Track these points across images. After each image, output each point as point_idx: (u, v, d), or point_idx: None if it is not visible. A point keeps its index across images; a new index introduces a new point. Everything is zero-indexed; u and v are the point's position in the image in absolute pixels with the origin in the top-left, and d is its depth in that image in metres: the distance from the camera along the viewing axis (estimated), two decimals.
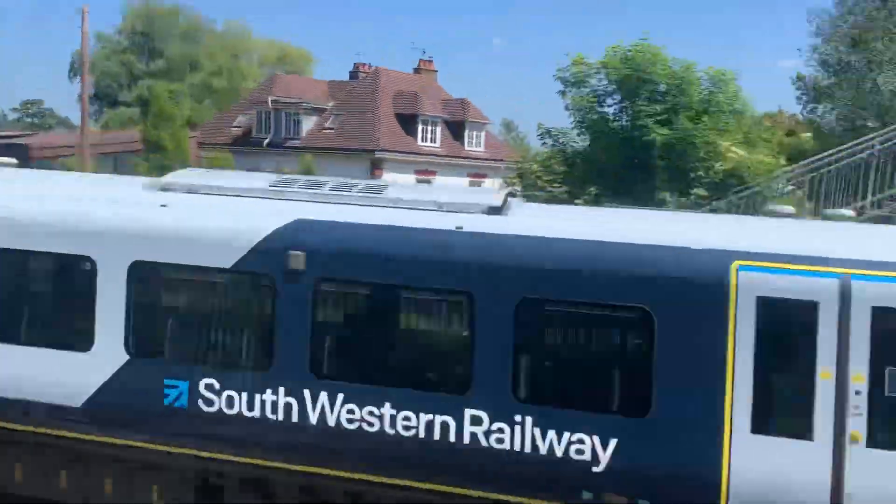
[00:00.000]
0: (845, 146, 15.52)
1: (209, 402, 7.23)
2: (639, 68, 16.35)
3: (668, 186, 16.38)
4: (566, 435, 6.61)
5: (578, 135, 17.94)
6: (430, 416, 6.83)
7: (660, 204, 15.86)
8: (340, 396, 6.99)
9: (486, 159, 42.41)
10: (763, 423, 6.42)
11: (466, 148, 42.86)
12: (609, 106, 17.71)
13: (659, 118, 16.07)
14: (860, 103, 24.60)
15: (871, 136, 15.67)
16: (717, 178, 16.39)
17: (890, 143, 14.40)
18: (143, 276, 7.48)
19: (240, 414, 7.15)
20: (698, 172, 16.47)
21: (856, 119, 24.77)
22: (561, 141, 18.31)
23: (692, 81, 16.31)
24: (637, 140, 16.30)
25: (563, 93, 17.87)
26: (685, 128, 16.00)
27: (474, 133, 43.46)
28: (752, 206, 15.38)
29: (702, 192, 16.33)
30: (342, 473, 7.07)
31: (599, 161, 17.16)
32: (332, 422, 6.99)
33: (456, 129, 42.78)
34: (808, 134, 21.10)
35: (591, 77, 17.58)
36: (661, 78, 16.33)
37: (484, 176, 41.66)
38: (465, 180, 41.39)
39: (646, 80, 16.37)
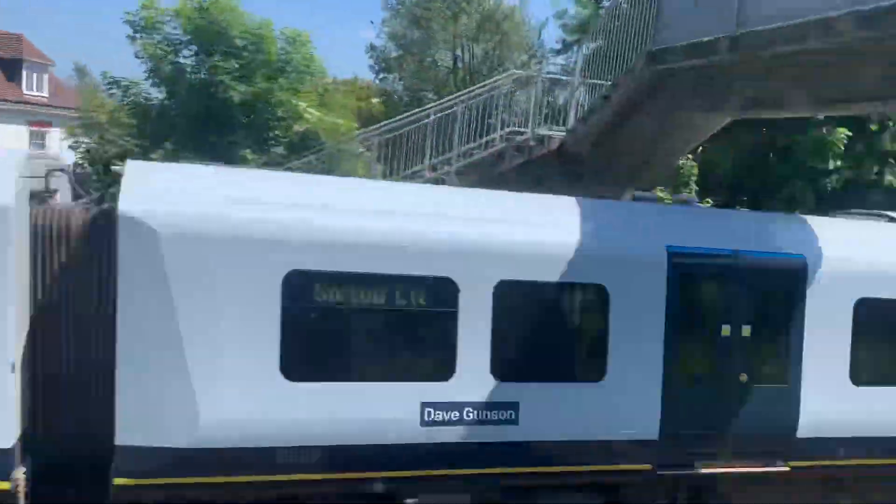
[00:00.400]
0: (408, 114, 17.10)
1: None
2: (214, 20, 15.81)
3: (248, 144, 16.27)
4: None
5: (152, 86, 16.77)
6: None
7: (242, 161, 15.68)
8: None
9: (51, 106, 37.36)
10: None
11: (25, 92, 37.20)
12: (186, 57, 16.83)
13: (237, 75, 15.80)
14: (422, 77, 27.52)
15: (429, 106, 17.54)
16: (295, 139, 16.81)
17: (442, 113, 16.25)
18: None
19: None
20: (276, 132, 16.70)
21: (419, 90, 27.69)
22: (132, 92, 16.90)
23: (269, 39, 16.32)
24: (215, 95, 15.82)
25: (132, 38, 16.44)
26: (263, 86, 16.03)
27: (35, 75, 37.92)
28: (329, 165, 16.13)
29: (281, 150, 16.61)
30: None
31: (175, 115, 16.27)
32: None
33: (11, 69, 36.79)
34: (377, 100, 22.94)
35: (164, 24, 16.46)
36: (238, 33, 16.02)
37: (48, 125, 36.70)
38: (25, 129, 35.99)
39: (221, 34, 15.91)
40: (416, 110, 17.12)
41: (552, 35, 38.11)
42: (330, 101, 18.52)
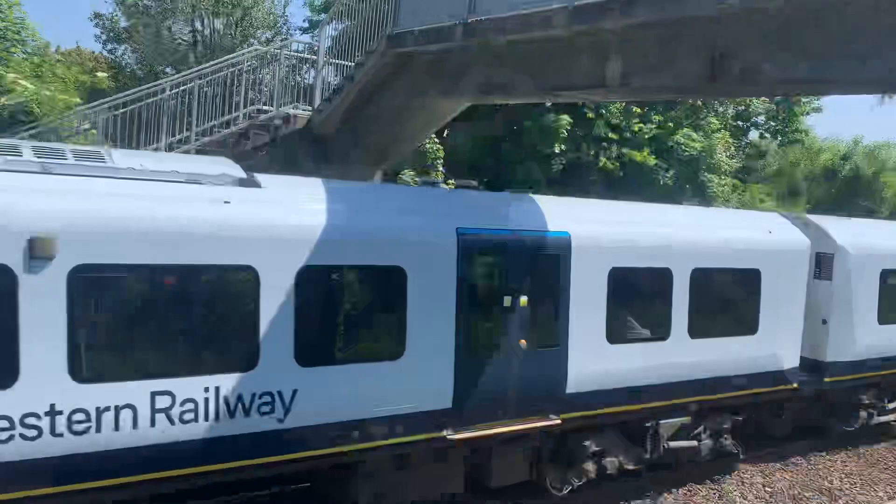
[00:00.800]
0: (140, 88, 15.77)
1: None
2: None
3: None
4: None
5: None
6: None
7: None
8: None
9: None
10: None
11: None
12: None
13: None
14: (159, 49, 25.56)
15: (163, 80, 16.33)
16: (3, 114, 14.76)
17: (179, 88, 15.23)
18: None
19: None
20: None
21: (155, 64, 25.67)
22: None
23: None
24: None
25: None
26: None
27: None
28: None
29: None
30: None
31: None
32: None
33: None
34: (104, 74, 20.82)
35: None
36: None
37: None
38: None
39: None
40: (149, 85, 15.86)
41: (301, 14, 37.40)
42: (47, 73, 16.49)
